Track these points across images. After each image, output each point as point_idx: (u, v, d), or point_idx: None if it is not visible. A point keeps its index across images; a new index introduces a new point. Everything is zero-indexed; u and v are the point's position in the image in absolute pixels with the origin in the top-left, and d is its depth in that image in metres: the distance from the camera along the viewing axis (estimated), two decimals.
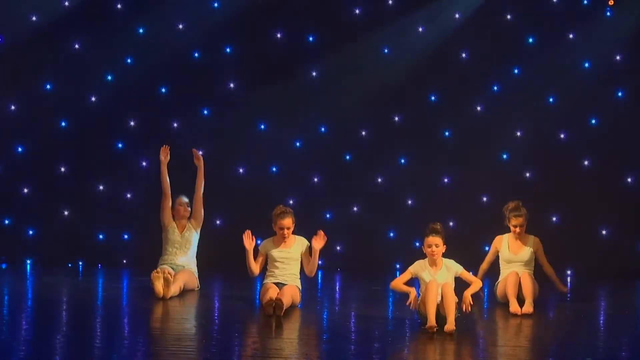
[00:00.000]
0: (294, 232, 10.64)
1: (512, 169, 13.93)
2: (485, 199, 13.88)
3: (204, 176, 11.74)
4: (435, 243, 9.66)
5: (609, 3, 13.80)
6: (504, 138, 13.96)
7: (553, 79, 13.92)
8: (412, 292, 9.51)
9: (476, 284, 9.64)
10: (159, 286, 10.89)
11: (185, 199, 11.79)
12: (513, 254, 11.10)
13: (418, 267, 9.71)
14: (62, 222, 13.80)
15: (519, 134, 13.98)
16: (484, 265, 11.29)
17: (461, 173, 13.94)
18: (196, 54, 13.99)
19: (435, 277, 9.58)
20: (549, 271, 11.20)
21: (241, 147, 13.95)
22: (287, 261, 10.56)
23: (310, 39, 14.05)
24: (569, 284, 13.14)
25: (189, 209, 11.78)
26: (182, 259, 11.60)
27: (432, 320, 9.24)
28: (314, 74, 14.01)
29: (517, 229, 11.12)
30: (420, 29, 14.03)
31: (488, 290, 11.84)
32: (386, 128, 14.00)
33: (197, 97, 13.99)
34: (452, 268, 9.68)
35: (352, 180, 13.95)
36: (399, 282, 9.70)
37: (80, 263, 13.72)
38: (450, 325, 9.20)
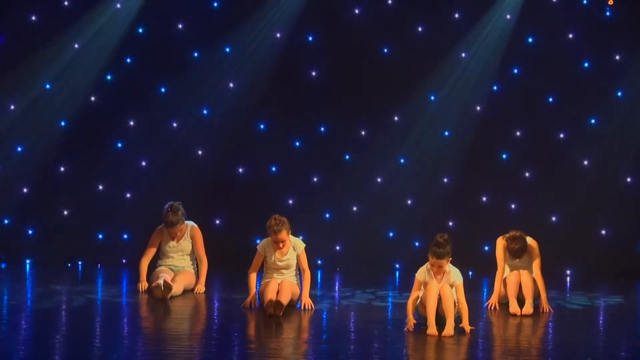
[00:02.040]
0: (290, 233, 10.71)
1: (511, 169, 13.92)
2: (484, 198, 13.87)
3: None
4: (439, 265, 9.60)
5: (609, 3, 13.79)
6: (504, 138, 13.95)
7: (553, 78, 13.92)
8: (410, 321, 9.55)
9: (464, 311, 9.62)
10: (159, 293, 10.93)
11: (181, 226, 11.59)
12: (517, 260, 11.08)
13: (424, 275, 9.69)
14: (62, 222, 13.78)
15: (518, 133, 13.97)
16: (500, 273, 11.11)
17: (461, 173, 13.92)
18: (196, 54, 13.98)
19: (436, 286, 9.58)
20: (537, 279, 11.02)
21: (241, 146, 13.94)
22: (285, 266, 10.60)
23: (310, 38, 14.04)
24: (568, 283, 13.15)
25: (185, 224, 11.68)
26: (180, 262, 11.60)
27: (432, 326, 9.25)
28: (314, 73, 14.00)
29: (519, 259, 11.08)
30: (420, 29, 14.03)
31: (487, 290, 11.84)
32: (386, 127, 13.99)
33: (196, 97, 13.97)
34: (452, 277, 9.66)
35: (352, 180, 13.94)
36: (411, 305, 9.71)
37: (80, 263, 13.71)
38: (448, 330, 9.20)
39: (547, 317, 10.48)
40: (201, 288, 11.50)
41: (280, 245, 10.50)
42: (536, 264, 10.97)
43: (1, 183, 13.80)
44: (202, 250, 11.65)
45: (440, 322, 9.33)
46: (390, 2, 14.04)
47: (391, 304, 11.60)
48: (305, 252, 10.72)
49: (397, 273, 13.74)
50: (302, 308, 10.51)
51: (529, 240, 11.02)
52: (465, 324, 9.55)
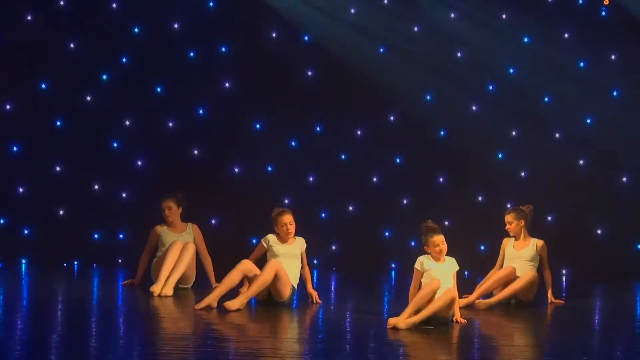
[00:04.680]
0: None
1: (507, 169, 13.94)
2: (480, 198, 13.89)
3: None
4: (442, 241, 9.70)
5: (604, 2, 13.81)
6: (500, 137, 13.98)
7: (548, 78, 13.94)
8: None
9: (456, 301, 9.71)
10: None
11: (169, 202, 11.73)
12: (516, 251, 11.12)
13: (424, 262, 9.73)
14: (58, 222, 13.78)
15: (514, 133, 13.99)
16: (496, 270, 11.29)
17: (456, 172, 13.95)
18: (192, 53, 13.98)
19: (441, 270, 9.63)
20: (546, 276, 11.14)
21: (237, 146, 13.95)
22: (289, 256, 10.61)
23: (306, 38, 14.05)
24: (564, 283, 13.17)
25: (179, 208, 11.73)
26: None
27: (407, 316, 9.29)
28: (309, 73, 14.01)
29: (506, 226, 11.15)
30: (416, 29, 14.04)
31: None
32: (382, 127, 14.00)
33: (192, 97, 13.98)
34: (453, 263, 9.75)
35: (348, 180, 13.95)
36: (413, 295, 9.75)
37: (76, 262, 13.70)
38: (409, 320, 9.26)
39: (543, 317, 10.48)
40: (217, 284, 11.67)
41: (289, 228, 10.64)
42: (545, 261, 11.15)
43: None
44: (205, 248, 11.76)
45: (438, 321, 9.36)
46: (386, 1, 14.04)
47: (387, 303, 11.61)
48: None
49: (393, 273, 13.75)
50: (310, 301, 10.64)
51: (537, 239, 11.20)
52: (458, 316, 9.61)
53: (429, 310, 9.32)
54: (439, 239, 9.70)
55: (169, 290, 11.07)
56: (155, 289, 11.00)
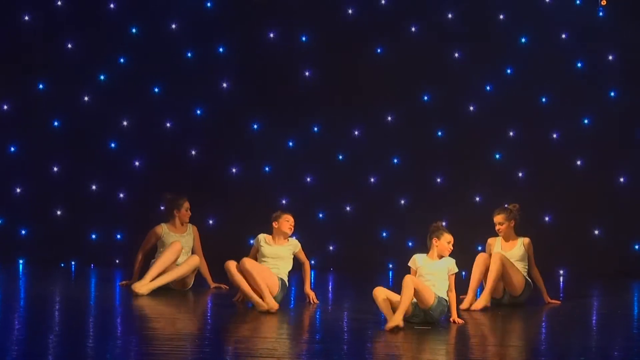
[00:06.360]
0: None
1: (505, 169, 13.94)
2: (478, 198, 13.89)
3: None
4: (452, 241, 9.81)
5: (602, 3, 13.82)
6: (497, 138, 13.98)
7: (546, 78, 13.94)
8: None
9: (453, 299, 9.70)
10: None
11: (188, 203, 11.75)
12: (504, 251, 11.05)
13: (416, 259, 9.75)
14: (55, 222, 13.78)
15: (511, 133, 13.99)
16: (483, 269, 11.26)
17: (454, 173, 13.95)
18: (189, 54, 13.98)
19: (432, 267, 9.64)
20: (536, 275, 11.08)
21: (234, 147, 13.95)
22: (276, 258, 10.56)
23: (304, 38, 14.05)
24: (561, 283, 13.17)
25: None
26: (183, 257, 11.53)
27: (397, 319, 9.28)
28: (307, 73, 14.01)
29: (497, 227, 11.09)
30: (414, 29, 14.05)
31: (481, 289, 11.84)
32: (379, 128, 14.00)
33: (190, 97, 13.98)
34: (449, 265, 9.73)
35: (345, 180, 13.95)
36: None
37: (73, 263, 13.70)
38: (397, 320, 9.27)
39: (540, 317, 10.49)
40: (214, 284, 11.70)
41: (291, 226, 10.62)
42: (531, 260, 11.03)
43: None
44: (200, 249, 11.74)
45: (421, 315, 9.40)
46: (383, 2, 14.05)
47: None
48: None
49: (391, 273, 13.75)
50: (308, 302, 10.63)
51: (523, 237, 11.11)
52: (455, 316, 9.61)
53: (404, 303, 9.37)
54: (452, 239, 9.82)
55: (145, 290, 11.01)
56: (137, 287, 10.96)
